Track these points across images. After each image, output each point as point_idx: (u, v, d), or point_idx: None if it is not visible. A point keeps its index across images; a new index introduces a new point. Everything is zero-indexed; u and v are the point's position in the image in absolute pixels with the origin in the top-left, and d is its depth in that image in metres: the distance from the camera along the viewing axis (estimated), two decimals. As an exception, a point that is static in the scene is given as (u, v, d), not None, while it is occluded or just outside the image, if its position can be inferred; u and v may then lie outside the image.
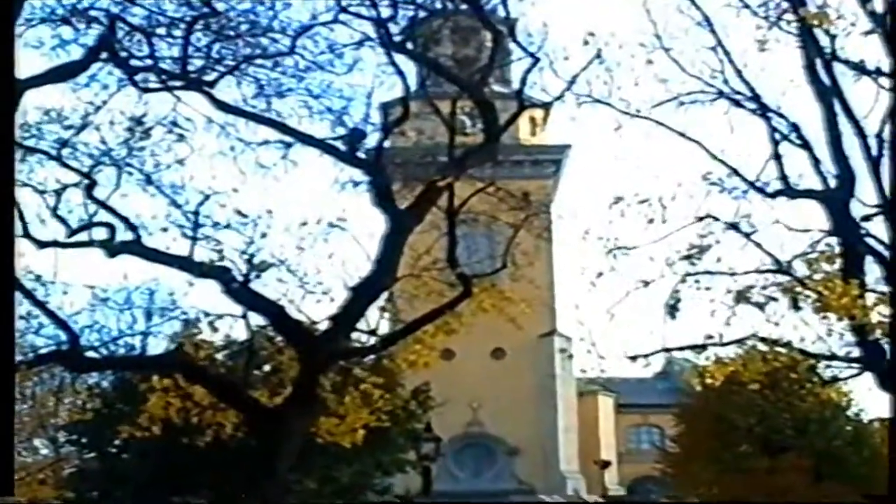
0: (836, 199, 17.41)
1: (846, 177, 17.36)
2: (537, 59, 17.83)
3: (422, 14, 18.61)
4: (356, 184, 18.12)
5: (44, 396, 21.88)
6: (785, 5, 17.49)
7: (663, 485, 45.15)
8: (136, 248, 17.47)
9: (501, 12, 18.70)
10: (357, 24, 17.63)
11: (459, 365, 47.89)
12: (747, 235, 17.41)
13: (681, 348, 18.26)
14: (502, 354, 55.03)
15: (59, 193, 17.54)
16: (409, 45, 18.35)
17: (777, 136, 18.17)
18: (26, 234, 17.17)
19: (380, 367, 20.60)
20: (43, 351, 17.92)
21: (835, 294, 15.44)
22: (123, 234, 17.49)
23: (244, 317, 17.86)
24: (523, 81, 18.11)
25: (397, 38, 17.75)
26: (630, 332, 17.81)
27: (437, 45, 20.30)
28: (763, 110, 18.33)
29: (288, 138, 17.82)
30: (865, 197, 17.13)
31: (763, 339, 16.87)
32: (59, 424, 30.48)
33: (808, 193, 17.98)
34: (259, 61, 17.50)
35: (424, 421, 31.30)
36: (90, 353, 18.34)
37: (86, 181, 17.57)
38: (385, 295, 18.12)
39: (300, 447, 17.28)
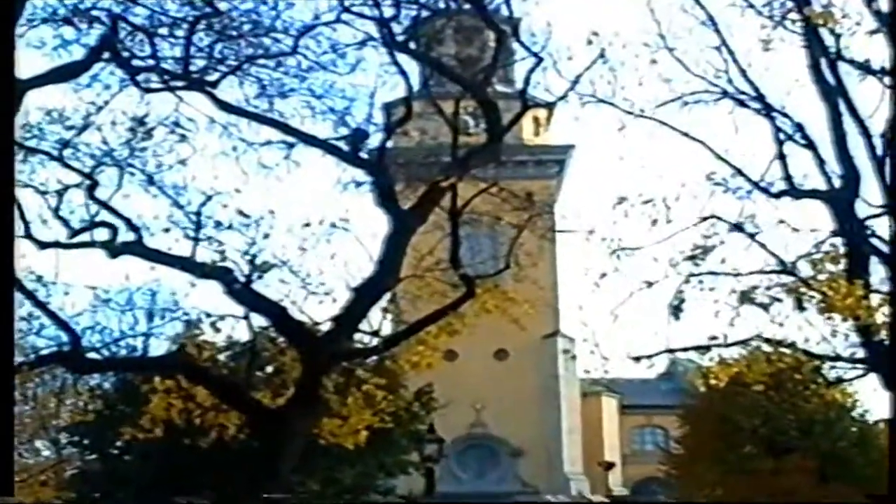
0: (840, 199, 17.34)
1: (851, 177, 17.29)
2: (541, 59, 17.78)
3: (425, 13, 18.54)
4: (359, 184, 18.13)
5: (45, 398, 21.80)
6: (789, 4, 17.42)
7: (667, 486, 45.11)
8: (138, 248, 17.42)
9: (505, 12, 18.62)
10: (360, 24, 17.61)
11: (462, 366, 47.84)
12: (751, 236, 17.35)
13: (685, 349, 18.21)
14: (505, 355, 55.02)
15: (60, 194, 17.50)
16: (412, 45, 18.30)
17: (781, 135, 18.10)
18: (28, 235, 17.14)
19: (382, 368, 20.55)
20: (44, 352, 17.90)
21: (839, 294, 15.37)
22: (125, 235, 17.46)
23: (246, 318, 17.81)
24: (527, 81, 18.07)
25: (400, 38, 17.70)
26: (634, 332, 17.78)
27: (440, 44, 20.24)
28: (767, 110, 18.26)
29: (290, 138, 17.80)
30: (871, 197, 17.08)
31: (767, 340, 16.78)
32: (61, 426, 30.39)
33: (813, 193, 17.90)
34: (261, 61, 17.47)
35: (427, 422, 31.28)
36: (92, 355, 18.30)
37: (87, 182, 17.53)
38: (388, 296, 18.07)
39: (303, 448, 17.25)
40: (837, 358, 17.38)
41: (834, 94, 17.43)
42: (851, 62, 17.24)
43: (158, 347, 19.36)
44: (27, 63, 16.49)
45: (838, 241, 16.91)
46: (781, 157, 18.08)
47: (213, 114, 17.56)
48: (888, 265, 16.43)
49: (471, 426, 54.65)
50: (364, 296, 17.12)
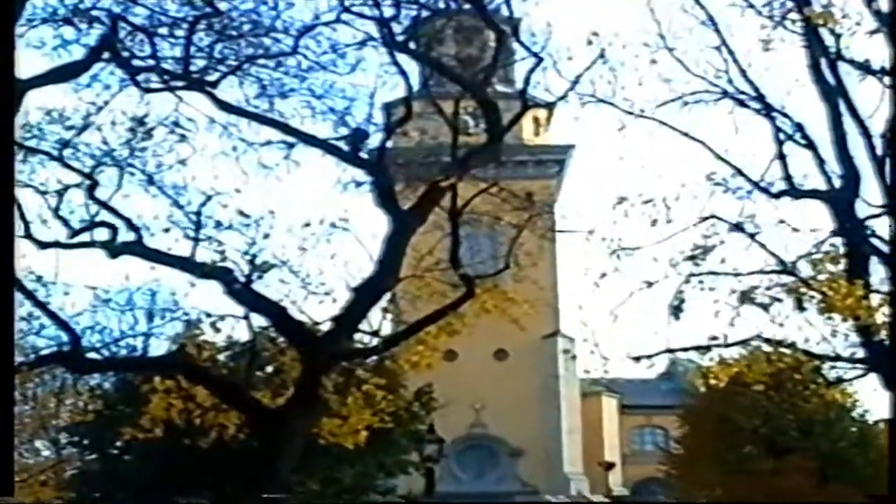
0: (840, 200, 17.33)
1: (851, 177, 17.28)
2: (541, 59, 17.78)
3: (425, 13, 18.55)
4: (359, 184, 18.13)
5: (45, 398, 21.80)
6: (789, 4, 17.42)
7: (667, 486, 45.06)
8: (138, 248, 17.42)
9: (505, 12, 18.64)
10: (360, 24, 17.62)
11: (462, 366, 47.81)
12: (751, 236, 17.33)
13: (685, 349, 18.18)
14: (505, 355, 54.97)
15: (60, 194, 17.50)
16: (412, 45, 18.30)
17: (781, 135, 18.09)
18: (28, 235, 17.15)
19: (382, 368, 20.55)
20: (44, 352, 17.92)
21: (839, 295, 15.35)
22: (125, 235, 17.48)
23: (246, 318, 17.84)
24: (527, 81, 18.08)
25: (400, 38, 17.71)
26: (634, 332, 17.75)
27: (440, 44, 20.24)
28: (767, 110, 18.26)
29: (290, 138, 17.81)
30: (871, 197, 17.07)
31: (767, 340, 16.77)
32: (61, 426, 30.36)
33: (813, 193, 17.89)
34: (261, 61, 17.48)
35: (427, 422, 31.24)
36: (92, 355, 18.31)
37: (87, 182, 17.53)
38: (387, 296, 18.08)
39: (302, 448, 17.25)
40: (837, 358, 17.37)
41: (834, 94, 17.42)
42: (851, 62, 17.23)
43: (158, 347, 19.40)
44: (27, 63, 16.51)
45: (838, 241, 16.90)
46: (781, 157, 18.08)
47: (213, 114, 17.61)
48: (888, 265, 16.42)
49: (470, 426, 54.61)
50: (364, 296, 17.11)
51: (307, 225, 17.49)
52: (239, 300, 17.30)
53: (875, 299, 15.80)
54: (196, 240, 17.29)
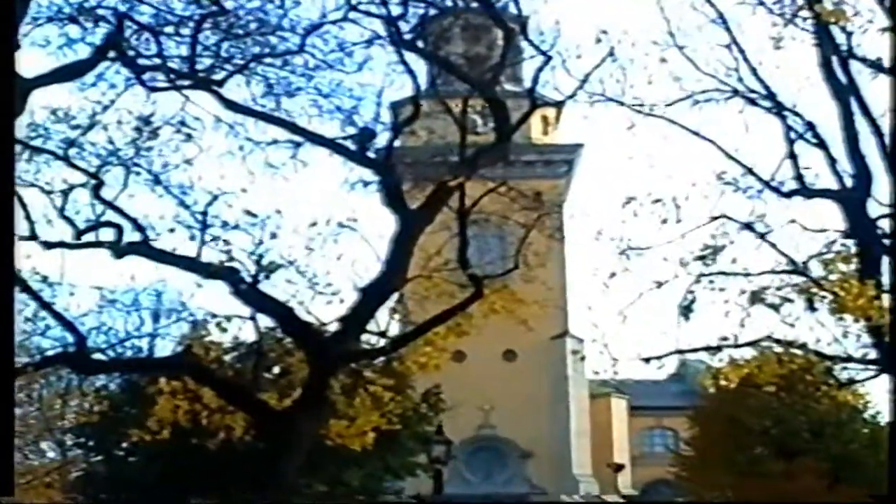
0: (852, 199, 17.22)
1: (862, 176, 17.17)
2: (549, 58, 17.69)
3: (432, 12, 18.46)
4: (366, 184, 18.01)
5: (50, 399, 21.81)
6: (800, 2, 17.31)
7: (677, 488, 44.88)
8: (144, 249, 17.34)
9: (513, 10, 18.54)
10: (367, 23, 17.53)
11: (470, 367, 47.68)
12: (762, 236, 17.23)
13: (695, 350, 18.06)
14: (514, 356, 54.84)
15: (66, 194, 17.40)
16: (420, 44, 18.22)
17: (792, 134, 18.01)
18: (33, 235, 17.03)
19: (390, 369, 20.46)
20: (49, 353, 17.88)
21: (851, 295, 15.21)
22: (131, 235, 17.39)
23: (253, 318, 17.74)
24: (535, 80, 17.98)
25: (408, 37, 17.61)
26: (643, 333, 17.65)
27: (447, 43, 20.18)
28: (778, 109, 18.16)
29: (297, 138, 17.71)
30: (883, 196, 16.94)
31: (778, 341, 16.64)
32: (66, 427, 30.41)
33: (824, 193, 17.79)
34: (268, 60, 17.38)
35: (435, 423, 31.17)
36: (97, 355, 18.20)
37: (93, 181, 17.44)
38: (395, 296, 17.99)
39: (309, 450, 17.15)
40: (849, 359, 17.22)
41: (845, 92, 17.31)
42: (863, 60, 17.13)
43: (164, 348, 19.30)
44: (32, 62, 16.45)
45: (850, 240, 16.78)
46: (792, 156, 17.98)
47: (219, 113, 17.50)
48: (890, 259, 16.30)
49: (479, 428, 54.48)
50: (371, 296, 17.01)
51: (314, 225, 17.42)
52: (245, 301, 17.21)
53: (887, 299, 15.65)
54: (202, 240, 17.21)
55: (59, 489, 28.70)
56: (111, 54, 16.54)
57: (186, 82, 17.17)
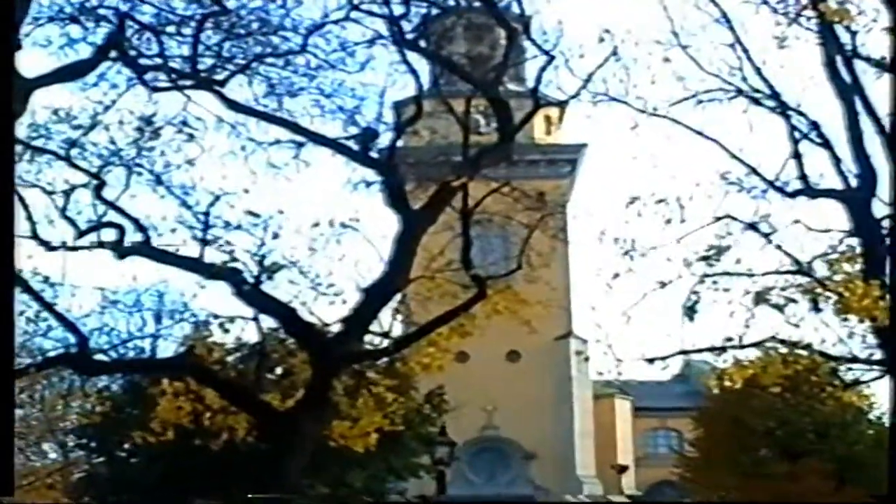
0: (857, 199, 17.18)
1: (867, 176, 17.13)
2: (552, 57, 17.65)
3: (435, 11, 18.47)
4: (369, 184, 17.99)
5: (52, 400, 21.79)
6: (804, 1, 17.23)
7: (681, 489, 44.79)
8: (146, 249, 17.31)
9: (516, 9, 18.50)
10: (369, 22, 17.53)
11: (474, 368, 47.63)
12: (766, 236, 17.18)
13: (699, 350, 18.00)
14: (517, 357, 54.76)
15: (67, 194, 17.38)
16: (422, 43, 18.19)
17: (797, 134, 17.97)
18: (35, 236, 17.00)
19: (393, 369, 20.43)
20: (51, 354, 17.83)
21: (856, 295, 15.15)
22: (133, 236, 17.38)
23: (255, 319, 17.72)
24: (538, 79, 17.94)
25: (410, 36, 17.59)
26: (647, 334, 17.61)
27: (450, 42, 20.13)
28: (783, 108, 18.13)
29: (300, 138, 17.69)
30: (887, 196, 16.85)
31: (783, 342, 16.58)
32: (68, 428, 30.37)
33: (829, 193, 17.75)
34: (270, 60, 17.38)
35: (438, 424, 31.06)
36: (99, 356, 18.17)
37: (95, 182, 17.42)
38: (398, 297, 17.95)
39: (312, 451, 17.11)
40: (854, 360, 17.17)
41: (850, 92, 17.27)
42: (868, 59, 17.09)
43: (166, 349, 19.26)
44: (34, 62, 16.44)
45: (854, 241, 16.73)
46: (797, 155, 17.94)
47: (221, 113, 17.49)
48: (890, 257, 16.25)
49: (482, 429, 54.42)
50: (374, 297, 16.98)
51: (317, 225, 17.41)
52: (248, 301, 17.18)
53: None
54: (204, 240, 17.18)
55: (61, 490, 28.70)
56: (113, 54, 16.54)
57: (188, 82, 17.16)
